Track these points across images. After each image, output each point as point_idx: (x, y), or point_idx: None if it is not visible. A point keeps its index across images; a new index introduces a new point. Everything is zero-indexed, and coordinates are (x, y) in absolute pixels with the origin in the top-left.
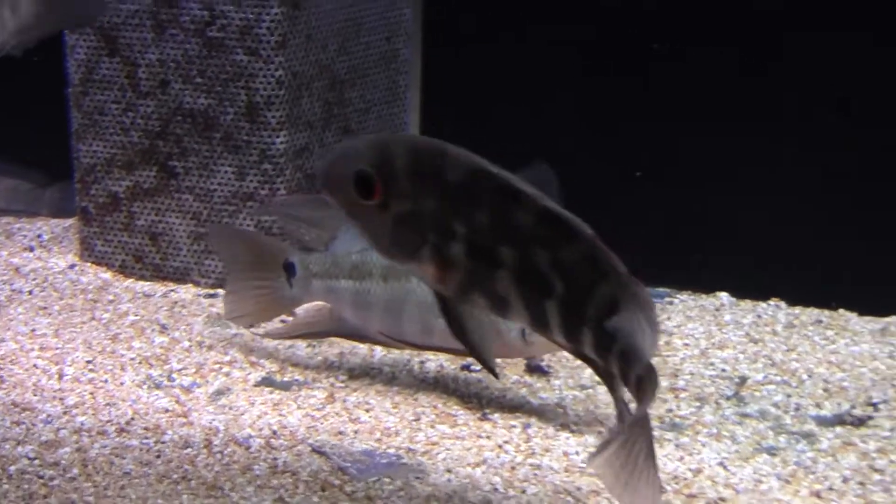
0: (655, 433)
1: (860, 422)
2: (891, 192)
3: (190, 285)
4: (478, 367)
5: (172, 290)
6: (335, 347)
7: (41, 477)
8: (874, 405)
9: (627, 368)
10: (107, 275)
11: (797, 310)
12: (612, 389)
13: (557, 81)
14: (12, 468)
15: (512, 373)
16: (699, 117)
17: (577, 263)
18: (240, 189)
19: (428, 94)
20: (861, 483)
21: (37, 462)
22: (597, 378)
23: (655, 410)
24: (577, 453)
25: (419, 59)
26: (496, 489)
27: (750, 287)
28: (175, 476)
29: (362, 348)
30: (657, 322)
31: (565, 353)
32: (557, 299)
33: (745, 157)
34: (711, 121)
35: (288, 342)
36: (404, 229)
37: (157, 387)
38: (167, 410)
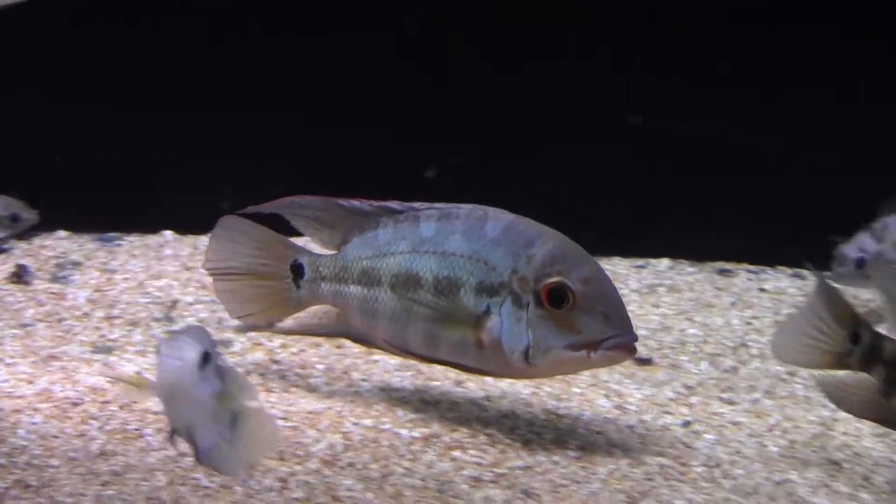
0: (87, 356)
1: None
2: None
3: None
4: None
5: None
6: None
7: None
8: None
9: None
10: None
11: None
12: None
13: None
14: None
15: None
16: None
17: None
18: None
19: None
20: (262, 374)
21: None
22: (39, 317)
23: (88, 337)
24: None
25: None
26: None
27: None
28: None
29: None
30: None
31: None
32: None
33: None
34: None
35: None
36: None
37: None
38: None
